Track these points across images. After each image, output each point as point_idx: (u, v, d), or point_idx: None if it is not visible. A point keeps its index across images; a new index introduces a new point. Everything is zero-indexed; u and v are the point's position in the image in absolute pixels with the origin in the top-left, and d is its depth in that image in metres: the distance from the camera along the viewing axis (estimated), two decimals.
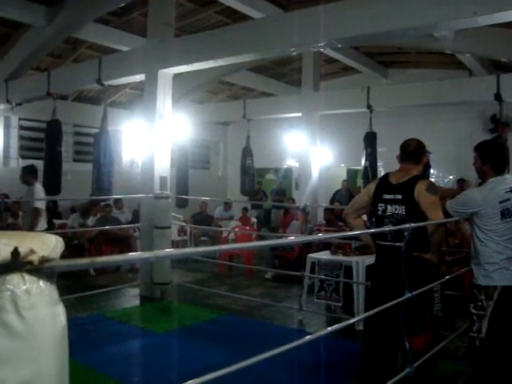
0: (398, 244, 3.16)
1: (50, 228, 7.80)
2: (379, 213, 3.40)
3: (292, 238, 6.61)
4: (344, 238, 5.65)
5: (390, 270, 3.29)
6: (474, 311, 3.31)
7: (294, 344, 2.02)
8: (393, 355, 3.33)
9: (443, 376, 4.02)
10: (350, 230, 3.72)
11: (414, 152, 3.51)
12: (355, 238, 5.21)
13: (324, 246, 6.88)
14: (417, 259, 3.20)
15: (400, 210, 3.29)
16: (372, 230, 3.56)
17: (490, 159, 3.40)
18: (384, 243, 3.36)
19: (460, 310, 5.40)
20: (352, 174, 14.18)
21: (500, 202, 3.27)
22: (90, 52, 10.47)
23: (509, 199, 3.30)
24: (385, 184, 3.46)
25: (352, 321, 2.76)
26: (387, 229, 3.11)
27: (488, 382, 3.29)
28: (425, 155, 3.55)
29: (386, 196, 3.37)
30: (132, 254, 1.35)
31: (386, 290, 3.32)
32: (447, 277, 3.90)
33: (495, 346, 3.23)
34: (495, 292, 3.21)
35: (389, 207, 3.34)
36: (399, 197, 3.30)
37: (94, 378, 4.08)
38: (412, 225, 2.82)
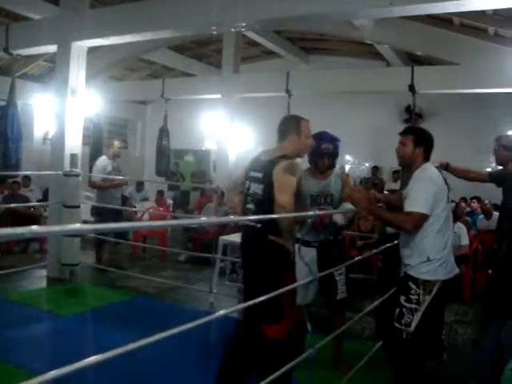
0: (252, 224, 3.04)
1: None
2: (245, 191, 3.22)
3: (203, 219, 6.52)
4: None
5: (249, 252, 3.19)
6: (405, 304, 3.11)
7: (197, 322, 1.98)
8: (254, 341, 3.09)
9: (349, 355, 4.11)
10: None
11: (280, 128, 3.31)
12: None
13: (239, 228, 6.86)
14: (272, 243, 2.99)
15: (259, 189, 3.08)
16: (248, 218, 3.17)
17: (424, 142, 3.23)
18: (245, 223, 3.20)
19: (367, 292, 5.62)
20: None
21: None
22: None
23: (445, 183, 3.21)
24: (255, 161, 3.27)
25: (246, 304, 2.67)
26: (268, 216, 2.92)
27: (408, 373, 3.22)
28: (294, 133, 3.23)
29: (252, 173, 3.18)
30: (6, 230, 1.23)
31: (247, 272, 3.24)
32: (351, 261, 3.94)
33: (423, 339, 3.13)
34: (434, 287, 3.05)
35: (252, 185, 3.15)
36: (260, 175, 3.09)
37: None
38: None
